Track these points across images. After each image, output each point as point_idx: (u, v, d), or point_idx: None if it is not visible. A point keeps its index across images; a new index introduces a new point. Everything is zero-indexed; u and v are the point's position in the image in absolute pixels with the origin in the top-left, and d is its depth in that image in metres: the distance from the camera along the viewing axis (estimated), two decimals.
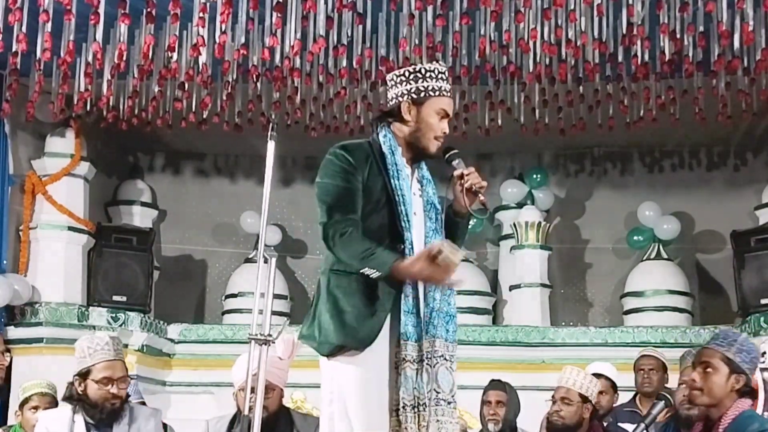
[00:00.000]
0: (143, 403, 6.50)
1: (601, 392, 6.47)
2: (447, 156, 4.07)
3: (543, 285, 9.50)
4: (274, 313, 3.90)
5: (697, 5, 6.81)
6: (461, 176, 4.01)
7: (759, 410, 7.83)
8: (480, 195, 4.00)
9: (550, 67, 7.64)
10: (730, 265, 9.03)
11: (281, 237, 10.14)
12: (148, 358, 8.89)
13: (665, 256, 9.61)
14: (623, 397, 6.85)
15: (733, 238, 8.96)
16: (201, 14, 6.76)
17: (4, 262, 8.55)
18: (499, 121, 8.49)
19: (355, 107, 8.42)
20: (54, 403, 6.05)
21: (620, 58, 7.49)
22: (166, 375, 9.11)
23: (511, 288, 9.61)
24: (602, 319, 9.98)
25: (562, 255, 10.08)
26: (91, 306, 8.87)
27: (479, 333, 8.90)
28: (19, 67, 7.42)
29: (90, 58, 7.37)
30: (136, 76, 7.82)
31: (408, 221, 3.93)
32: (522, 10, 6.86)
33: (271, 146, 3.95)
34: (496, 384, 6.62)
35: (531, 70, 7.59)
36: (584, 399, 5.81)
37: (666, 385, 6.87)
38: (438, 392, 3.88)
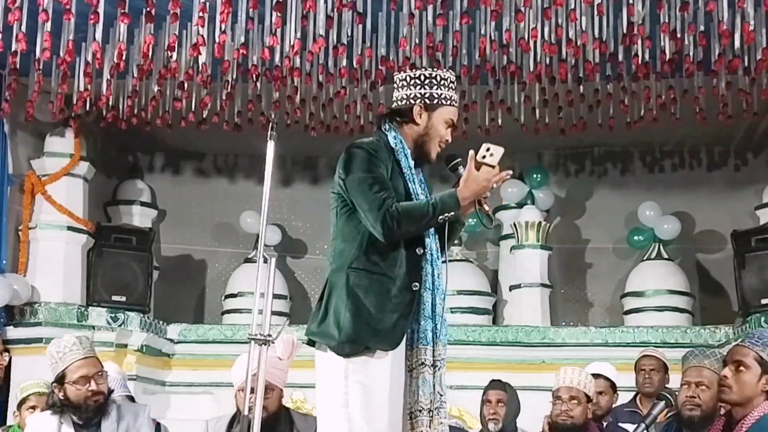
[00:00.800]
0: (131, 398, 6.50)
1: (600, 392, 6.49)
2: (451, 164, 4.09)
3: (543, 285, 9.49)
4: (273, 313, 3.90)
5: (698, 5, 6.80)
6: None
7: None
8: (484, 204, 4.02)
9: (550, 67, 7.62)
10: (731, 265, 9.02)
11: (281, 237, 10.14)
12: (148, 359, 8.88)
13: (665, 256, 9.60)
14: (623, 397, 6.84)
15: (734, 238, 8.95)
16: (201, 14, 6.75)
17: (4, 262, 8.54)
18: (499, 121, 8.48)
19: (355, 107, 8.41)
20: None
21: (620, 58, 7.47)
22: (165, 375, 9.10)
23: (511, 288, 9.60)
24: (602, 319, 9.97)
25: (562, 255, 10.07)
26: (90, 306, 8.86)
27: (479, 333, 8.90)
28: (18, 66, 7.41)
29: (89, 58, 7.35)
30: (135, 75, 7.80)
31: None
32: (522, 9, 6.85)
33: (271, 146, 3.95)
34: (496, 384, 6.61)
35: (531, 70, 7.58)
36: (588, 398, 5.81)
37: (667, 385, 6.85)
38: (441, 395, 3.90)
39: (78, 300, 8.84)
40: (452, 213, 3.87)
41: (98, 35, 6.82)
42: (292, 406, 6.98)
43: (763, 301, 8.47)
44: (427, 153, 4.09)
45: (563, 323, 9.75)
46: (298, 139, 8.83)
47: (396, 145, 4.03)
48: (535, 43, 7.13)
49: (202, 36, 6.96)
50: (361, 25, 7.08)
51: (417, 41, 7.19)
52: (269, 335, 3.76)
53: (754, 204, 9.23)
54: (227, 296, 9.76)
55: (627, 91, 8.11)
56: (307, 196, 10.36)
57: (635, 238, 9.78)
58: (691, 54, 7.23)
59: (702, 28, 6.93)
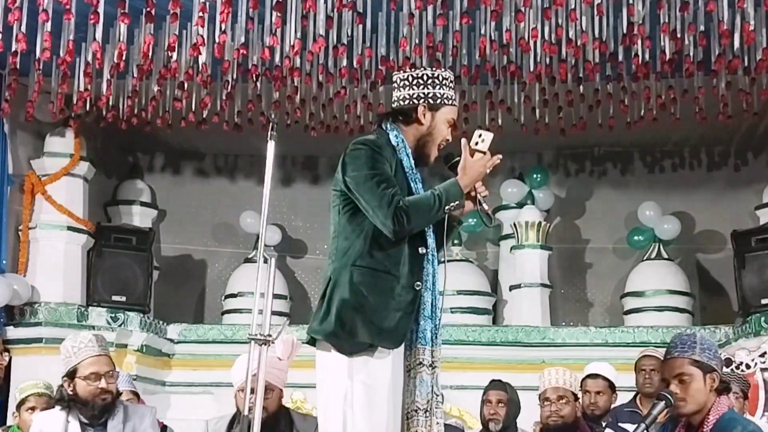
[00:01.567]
0: (135, 393, 6.48)
1: (599, 392, 6.50)
2: (451, 163, 4.09)
3: (543, 285, 9.49)
4: (273, 313, 3.89)
5: (698, 5, 6.81)
6: None
7: (759, 411, 7.85)
8: (484, 204, 4.02)
9: (550, 67, 7.63)
10: (731, 265, 9.02)
11: (281, 237, 10.13)
12: (148, 358, 8.88)
13: (665, 256, 9.60)
14: (623, 397, 6.84)
15: (734, 238, 8.95)
16: (201, 14, 6.75)
17: (4, 261, 8.54)
18: (500, 121, 8.47)
19: (355, 107, 8.41)
20: (51, 404, 6.03)
21: (620, 58, 7.48)
22: (165, 375, 9.09)
23: (511, 288, 9.60)
24: (602, 319, 9.97)
25: (562, 255, 10.07)
26: (90, 306, 8.86)
27: (479, 333, 8.90)
28: (18, 66, 7.41)
29: (89, 58, 7.36)
30: (135, 75, 7.80)
31: (430, 226, 3.97)
32: (522, 9, 6.85)
33: (271, 146, 3.95)
34: (496, 384, 6.60)
35: (531, 70, 7.58)
36: (575, 396, 5.82)
37: None
38: (437, 395, 3.90)
39: (78, 300, 8.84)
40: (457, 202, 3.88)
41: (98, 35, 6.82)
42: (292, 406, 6.98)
43: (763, 301, 8.47)
44: (428, 154, 4.09)
45: (563, 323, 9.75)
46: (298, 139, 8.83)
47: (398, 144, 4.03)
48: (535, 43, 7.13)
49: (202, 36, 6.96)
50: (361, 25, 7.08)
51: (417, 41, 7.19)
52: (269, 335, 3.76)
53: (754, 204, 9.23)
54: (227, 296, 9.75)
55: (627, 91, 8.11)
56: (307, 196, 10.36)
57: (635, 238, 9.78)
58: (691, 54, 7.23)
59: (702, 28, 6.93)
